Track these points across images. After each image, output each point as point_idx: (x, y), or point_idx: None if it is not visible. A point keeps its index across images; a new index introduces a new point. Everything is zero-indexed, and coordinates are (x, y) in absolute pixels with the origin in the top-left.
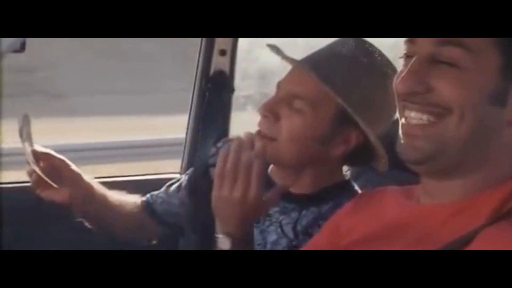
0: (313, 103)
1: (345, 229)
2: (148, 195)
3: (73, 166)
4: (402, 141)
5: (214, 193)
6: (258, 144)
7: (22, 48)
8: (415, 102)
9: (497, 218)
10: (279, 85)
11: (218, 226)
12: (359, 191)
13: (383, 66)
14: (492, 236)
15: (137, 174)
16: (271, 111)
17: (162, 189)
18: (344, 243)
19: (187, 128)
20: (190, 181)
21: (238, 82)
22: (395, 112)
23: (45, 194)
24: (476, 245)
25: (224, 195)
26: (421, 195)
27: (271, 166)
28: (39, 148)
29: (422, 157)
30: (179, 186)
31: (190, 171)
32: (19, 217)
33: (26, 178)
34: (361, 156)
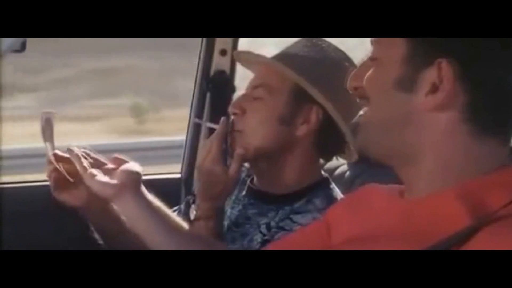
0: (270, 87)
1: (335, 230)
2: None
3: None
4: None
5: None
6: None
7: (22, 48)
8: (358, 97)
9: (488, 219)
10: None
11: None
12: (336, 189)
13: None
14: (488, 242)
15: None
16: (237, 107)
17: None
18: (334, 243)
19: (188, 128)
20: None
21: (238, 82)
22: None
23: (63, 197)
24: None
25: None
26: (404, 190)
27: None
28: (59, 152)
29: (359, 147)
30: (179, 211)
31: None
32: (19, 217)
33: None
34: (328, 140)
